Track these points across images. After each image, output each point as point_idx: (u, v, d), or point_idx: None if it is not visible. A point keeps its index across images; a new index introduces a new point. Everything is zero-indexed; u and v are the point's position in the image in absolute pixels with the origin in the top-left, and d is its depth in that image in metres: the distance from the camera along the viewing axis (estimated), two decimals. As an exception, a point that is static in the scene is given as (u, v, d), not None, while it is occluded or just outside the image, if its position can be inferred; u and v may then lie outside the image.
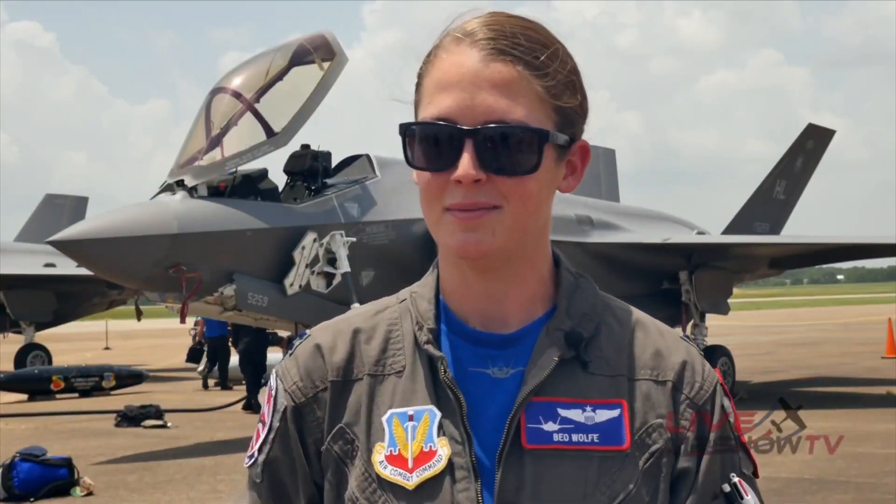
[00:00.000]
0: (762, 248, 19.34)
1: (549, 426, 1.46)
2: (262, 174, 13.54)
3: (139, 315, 16.89)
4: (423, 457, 1.47)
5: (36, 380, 20.41)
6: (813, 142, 23.38)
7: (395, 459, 1.48)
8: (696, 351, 1.57)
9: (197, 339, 23.46)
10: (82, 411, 17.52)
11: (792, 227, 23.90)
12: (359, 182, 14.19)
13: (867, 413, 14.52)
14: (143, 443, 13.43)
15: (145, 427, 15.00)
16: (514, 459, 1.45)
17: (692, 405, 1.52)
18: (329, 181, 14.11)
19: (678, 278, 17.75)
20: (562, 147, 1.50)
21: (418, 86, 1.53)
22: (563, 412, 1.47)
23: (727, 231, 22.00)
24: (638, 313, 1.59)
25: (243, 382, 18.42)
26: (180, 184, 12.71)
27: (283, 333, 18.17)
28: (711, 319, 18.34)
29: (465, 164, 1.43)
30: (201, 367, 22.48)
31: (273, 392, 1.60)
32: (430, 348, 1.51)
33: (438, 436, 1.47)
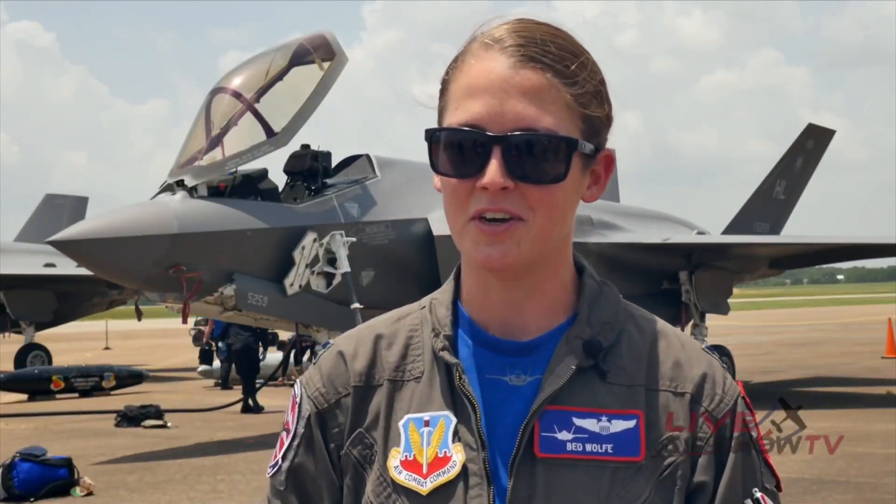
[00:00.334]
0: (762, 248, 19.33)
1: (563, 435, 1.45)
2: (262, 174, 13.55)
3: (139, 315, 16.91)
4: (438, 462, 1.47)
5: (36, 380, 20.41)
6: (813, 142, 23.38)
7: (410, 465, 1.48)
8: (719, 364, 1.55)
9: (205, 339, 23.43)
10: (82, 411, 17.52)
11: (792, 227, 23.93)
12: (359, 182, 14.19)
13: (867, 413, 14.52)
14: (143, 443, 13.43)
15: (145, 427, 15.00)
16: (527, 467, 1.44)
17: (710, 419, 1.50)
18: (329, 181, 14.11)
19: (678, 278, 17.74)
20: (588, 156, 1.49)
21: (443, 91, 1.52)
22: (578, 421, 1.46)
23: (727, 231, 21.99)
24: (661, 323, 1.58)
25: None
26: (180, 184, 12.71)
27: (285, 335, 18.18)
28: (711, 319, 18.34)
29: (493, 171, 1.42)
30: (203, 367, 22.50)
31: (297, 399, 1.60)
32: (446, 355, 1.51)
33: (453, 442, 1.47)
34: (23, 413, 17.42)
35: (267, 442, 12.08)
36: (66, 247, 12.31)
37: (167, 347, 36.61)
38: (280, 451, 1.59)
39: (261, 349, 19.57)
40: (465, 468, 1.45)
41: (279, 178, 14.00)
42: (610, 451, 1.45)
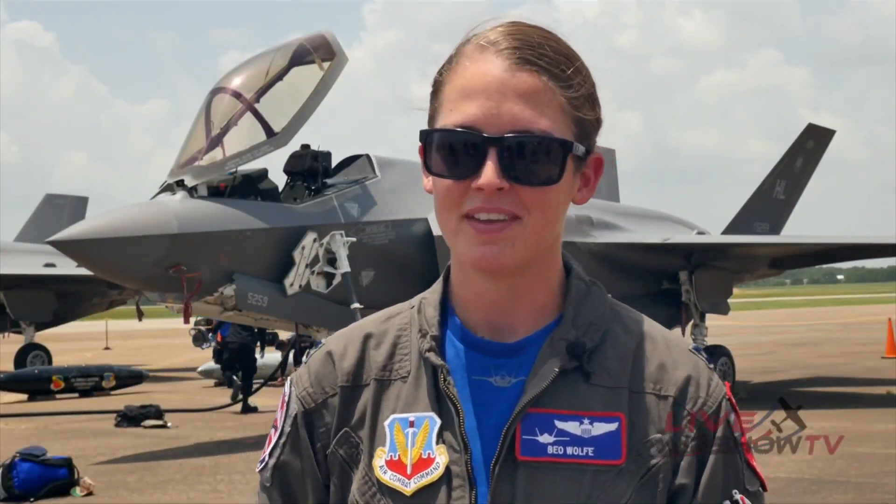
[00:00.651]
0: (762, 248, 19.33)
1: (545, 438, 1.45)
2: (262, 174, 13.55)
3: (140, 315, 16.90)
4: (422, 464, 1.47)
5: (36, 380, 20.42)
6: (813, 142, 23.38)
7: (395, 465, 1.49)
8: (705, 365, 1.55)
9: (218, 338, 23.40)
10: (82, 411, 17.52)
11: (792, 227, 23.93)
12: (359, 182, 14.19)
13: (867, 413, 14.53)
14: (143, 443, 13.43)
15: (145, 427, 15.01)
16: (508, 471, 1.45)
17: (694, 421, 1.49)
18: (329, 181, 14.11)
19: (678, 278, 17.75)
20: (580, 159, 1.51)
21: (436, 92, 1.52)
22: (560, 424, 1.46)
23: (727, 231, 21.99)
24: (648, 324, 1.57)
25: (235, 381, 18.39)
26: (180, 184, 12.71)
27: (284, 335, 18.21)
28: (711, 319, 18.34)
29: (489, 172, 1.43)
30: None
31: (286, 398, 1.62)
32: (432, 356, 1.52)
33: (437, 443, 1.48)
34: (23, 413, 17.42)
35: (267, 442, 12.05)
36: (66, 247, 12.31)
37: (167, 347, 36.60)
38: (268, 449, 1.61)
39: (258, 349, 19.54)
40: (448, 470, 1.46)
41: (279, 178, 14.01)
42: (591, 454, 1.45)
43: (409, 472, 1.47)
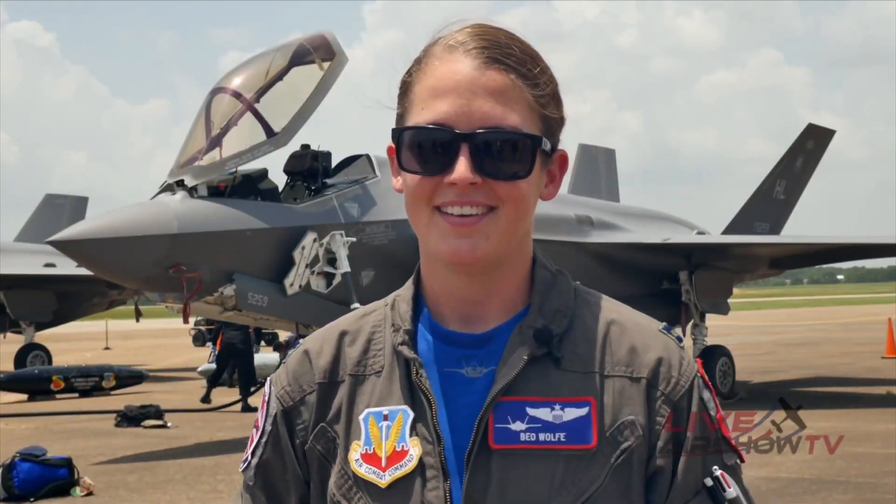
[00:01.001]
0: (762, 248, 19.33)
1: (517, 426, 1.48)
2: (262, 174, 13.55)
3: (138, 316, 16.91)
4: (396, 456, 1.51)
5: (36, 380, 20.42)
6: (813, 142, 23.37)
7: (370, 458, 1.52)
8: (675, 345, 1.57)
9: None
10: (82, 411, 17.53)
11: (792, 227, 23.92)
12: (359, 182, 14.18)
13: (867, 413, 14.52)
14: (143, 443, 13.43)
15: (145, 427, 15.01)
16: (482, 460, 1.48)
17: (668, 402, 1.51)
18: (329, 181, 14.11)
19: (678, 278, 17.75)
20: (547, 154, 1.55)
21: (405, 93, 1.57)
22: (531, 411, 1.49)
23: (727, 231, 21.99)
24: (616, 308, 1.60)
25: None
26: (180, 184, 12.71)
27: (284, 335, 18.26)
28: (711, 319, 18.34)
29: (462, 167, 1.47)
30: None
31: (266, 398, 1.66)
32: (405, 350, 1.55)
33: (411, 436, 1.51)
34: (23, 413, 17.42)
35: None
36: (66, 247, 12.31)
37: (167, 347, 36.63)
38: (250, 448, 1.65)
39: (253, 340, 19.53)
40: (421, 462, 1.49)
41: (279, 178, 14.01)
42: (563, 439, 1.48)
43: (383, 464, 1.51)
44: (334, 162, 14.59)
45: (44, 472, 10.08)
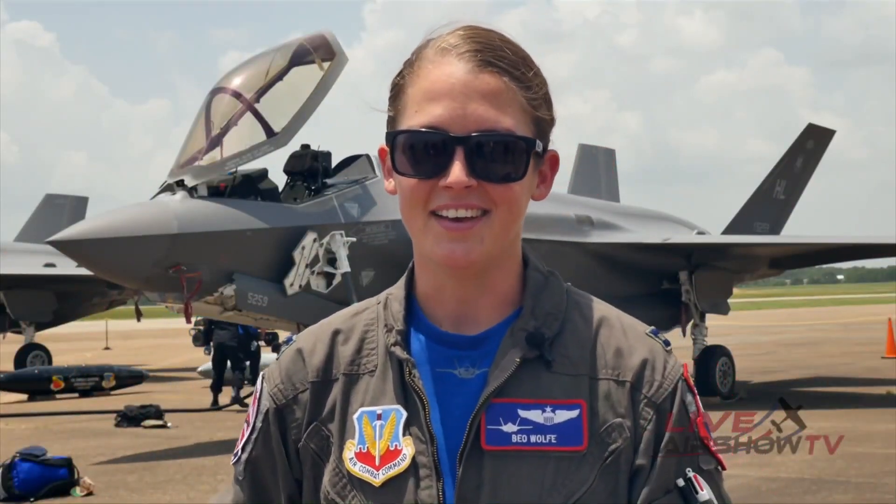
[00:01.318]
0: (762, 248, 19.34)
1: (509, 427, 1.50)
2: (262, 174, 13.55)
3: (139, 316, 16.92)
4: (389, 455, 1.52)
5: (36, 380, 20.42)
6: (813, 142, 23.38)
7: (364, 457, 1.53)
8: (661, 348, 1.58)
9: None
10: (82, 411, 17.53)
11: (792, 227, 23.92)
12: (359, 182, 14.19)
13: (867, 413, 14.52)
14: (143, 443, 13.43)
15: (145, 427, 15.01)
16: (474, 460, 1.49)
17: (650, 404, 1.53)
18: (329, 181, 14.11)
19: (678, 278, 17.76)
20: (539, 156, 1.56)
21: (397, 95, 1.57)
22: (523, 413, 1.51)
23: (727, 231, 21.99)
24: (605, 311, 1.62)
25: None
26: (180, 184, 12.71)
27: (284, 335, 18.24)
28: (711, 319, 18.33)
29: (457, 171, 1.48)
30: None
31: (258, 394, 1.67)
32: (398, 350, 1.56)
33: (404, 435, 1.52)
34: (23, 413, 17.43)
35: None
36: (66, 247, 12.32)
37: (167, 347, 36.62)
38: (241, 443, 1.66)
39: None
40: (414, 461, 1.51)
41: (279, 178, 14.02)
42: (554, 441, 1.50)
43: (377, 463, 1.52)
44: (334, 162, 14.60)
45: (44, 472, 10.08)
